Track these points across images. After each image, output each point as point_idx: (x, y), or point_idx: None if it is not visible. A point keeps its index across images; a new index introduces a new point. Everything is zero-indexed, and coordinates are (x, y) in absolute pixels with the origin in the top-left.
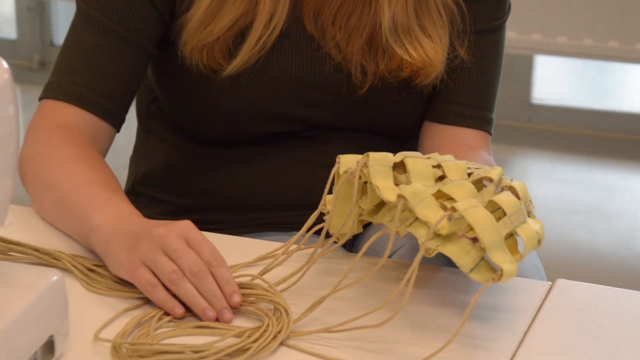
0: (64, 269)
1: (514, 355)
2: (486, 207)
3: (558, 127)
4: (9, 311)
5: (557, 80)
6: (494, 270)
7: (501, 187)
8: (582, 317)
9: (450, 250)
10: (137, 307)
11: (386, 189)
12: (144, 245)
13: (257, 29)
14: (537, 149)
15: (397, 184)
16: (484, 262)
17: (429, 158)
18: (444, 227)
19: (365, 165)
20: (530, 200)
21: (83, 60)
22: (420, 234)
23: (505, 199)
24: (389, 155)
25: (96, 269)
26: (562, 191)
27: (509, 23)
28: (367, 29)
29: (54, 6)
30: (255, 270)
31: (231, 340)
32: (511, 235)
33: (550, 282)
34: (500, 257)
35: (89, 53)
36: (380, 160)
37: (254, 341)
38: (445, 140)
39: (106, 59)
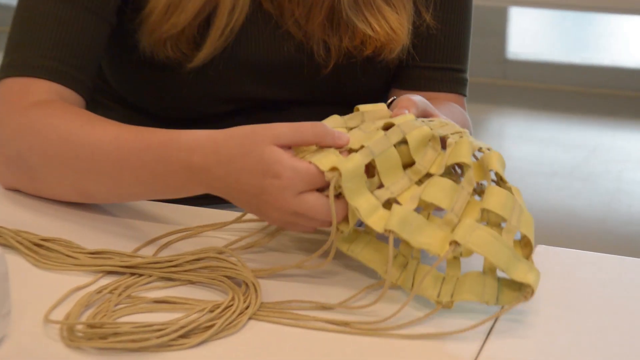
0: (7, 245)
1: (495, 320)
2: (481, 218)
3: (535, 83)
4: None
5: (534, 33)
6: (519, 287)
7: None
8: (563, 284)
9: (468, 296)
10: (90, 283)
11: (368, 211)
12: None
13: (222, 16)
14: (513, 107)
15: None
16: (504, 282)
17: (387, 127)
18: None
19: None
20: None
21: (47, 32)
22: (429, 293)
23: (496, 202)
24: (359, 164)
25: (44, 244)
26: (540, 151)
27: None
28: (326, 2)
29: None
30: (223, 242)
31: (195, 316)
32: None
33: None
34: (520, 272)
35: (55, 25)
36: (352, 173)
37: (219, 317)
38: None
39: (73, 30)
